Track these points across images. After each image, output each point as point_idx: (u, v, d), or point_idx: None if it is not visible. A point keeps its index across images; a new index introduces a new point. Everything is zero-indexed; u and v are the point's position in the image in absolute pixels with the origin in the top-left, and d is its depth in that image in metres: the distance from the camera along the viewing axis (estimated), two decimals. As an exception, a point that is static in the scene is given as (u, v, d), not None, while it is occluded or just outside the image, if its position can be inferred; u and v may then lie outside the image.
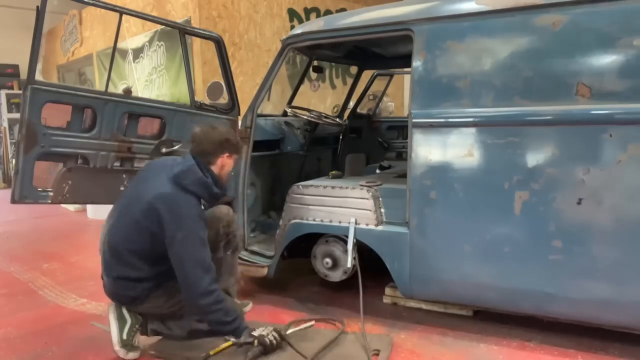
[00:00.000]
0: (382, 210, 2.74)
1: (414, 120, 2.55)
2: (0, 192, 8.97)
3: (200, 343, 2.46)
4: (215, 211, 2.71)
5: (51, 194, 2.64)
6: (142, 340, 2.50)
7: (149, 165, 2.60)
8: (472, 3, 2.45)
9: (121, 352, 2.37)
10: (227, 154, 2.47)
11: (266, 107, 5.58)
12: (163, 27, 5.76)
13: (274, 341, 2.32)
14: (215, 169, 2.46)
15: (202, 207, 2.46)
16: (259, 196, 3.70)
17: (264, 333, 2.33)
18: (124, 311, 2.43)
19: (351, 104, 4.78)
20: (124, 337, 2.38)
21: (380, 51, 3.98)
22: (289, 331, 2.52)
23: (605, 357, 2.37)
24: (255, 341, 2.31)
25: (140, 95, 6.76)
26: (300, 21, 6.84)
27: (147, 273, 2.38)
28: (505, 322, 2.68)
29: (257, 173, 3.58)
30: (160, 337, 2.55)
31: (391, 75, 5.09)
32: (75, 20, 8.89)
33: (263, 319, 2.82)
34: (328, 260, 2.93)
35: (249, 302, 2.97)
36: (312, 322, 2.63)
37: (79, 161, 2.72)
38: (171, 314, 2.49)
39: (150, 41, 6.73)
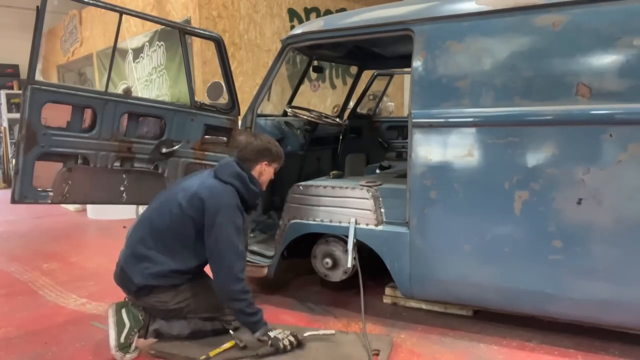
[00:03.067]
0: (382, 210, 2.74)
1: (414, 120, 2.55)
2: (0, 192, 8.98)
3: (201, 343, 2.46)
4: None
5: (51, 194, 2.63)
6: (141, 342, 2.49)
7: (192, 173, 2.76)
8: (472, 3, 2.45)
9: (118, 356, 2.37)
10: (265, 162, 2.59)
11: (266, 107, 5.58)
12: (163, 27, 5.76)
13: (288, 346, 2.33)
14: (254, 173, 2.57)
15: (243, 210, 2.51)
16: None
17: (280, 337, 2.34)
18: (124, 314, 2.42)
19: (351, 104, 4.77)
20: (122, 340, 2.38)
21: (380, 51, 3.98)
22: (306, 333, 2.45)
23: (605, 357, 2.37)
24: (269, 342, 2.33)
25: (140, 95, 6.76)
26: (300, 21, 6.84)
27: (168, 265, 2.41)
28: (505, 322, 2.68)
29: (257, 173, 3.57)
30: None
31: (391, 75, 5.09)
32: (75, 20, 8.89)
33: (264, 319, 2.82)
34: (328, 260, 2.93)
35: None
36: (333, 331, 2.50)
37: (79, 161, 2.72)
38: (176, 312, 2.48)
39: (150, 41, 6.73)
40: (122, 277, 2.47)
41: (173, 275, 2.42)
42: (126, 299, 2.51)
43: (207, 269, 2.69)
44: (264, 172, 2.61)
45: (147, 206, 2.66)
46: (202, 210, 2.37)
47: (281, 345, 2.31)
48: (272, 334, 2.35)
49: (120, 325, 2.40)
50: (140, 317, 2.45)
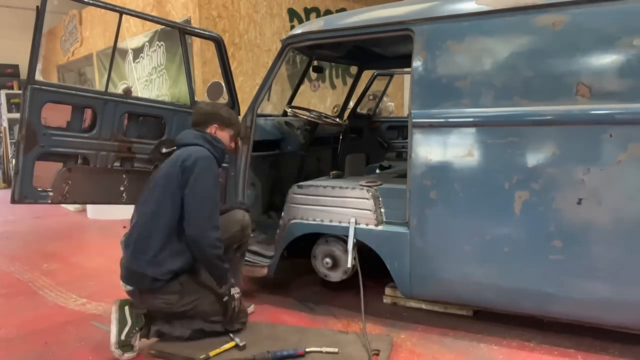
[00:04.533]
0: (382, 210, 2.74)
1: (414, 120, 2.55)
2: (0, 192, 8.98)
3: (201, 344, 2.46)
4: (231, 215, 2.74)
5: (51, 194, 2.64)
6: (141, 342, 2.49)
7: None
8: (472, 3, 2.45)
9: (117, 353, 2.38)
10: (216, 125, 2.65)
11: (266, 107, 5.58)
12: (163, 27, 5.76)
13: (236, 308, 2.51)
14: None
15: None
16: (259, 196, 3.70)
17: (236, 297, 2.51)
18: (126, 312, 2.42)
19: (351, 104, 4.77)
20: (122, 338, 2.38)
21: (380, 51, 3.98)
22: (308, 349, 2.38)
23: (605, 357, 2.37)
24: (226, 298, 2.48)
25: (140, 95, 6.76)
26: (300, 21, 6.84)
27: (171, 244, 2.40)
28: (505, 322, 2.68)
29: (257, 173, 3.58)
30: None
31: (391, 75, 5.10)
32: (75, 20, 8.89)
33: (264, 319, 2.83)
34: (328, 260, 2.93)
35: (251, 305, 2.96)
36: (336, 350, 2.38)
37: (79, 161, 2.73)
38: (181, 314, 2.47)
39: (150, 41, 6.73)
40: (132, 277, 2.41)
41: (180, 254, 2.40)
42: (130, 299, 2.50)
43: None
44: (218, 136, 2.64)
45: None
46: (182, 174, 2.38)
47: (232, 306, 2.48)
48: (233, 291, 2.49)
49: (122, 322, 2.40)
50: (143, 317, 2.46)
